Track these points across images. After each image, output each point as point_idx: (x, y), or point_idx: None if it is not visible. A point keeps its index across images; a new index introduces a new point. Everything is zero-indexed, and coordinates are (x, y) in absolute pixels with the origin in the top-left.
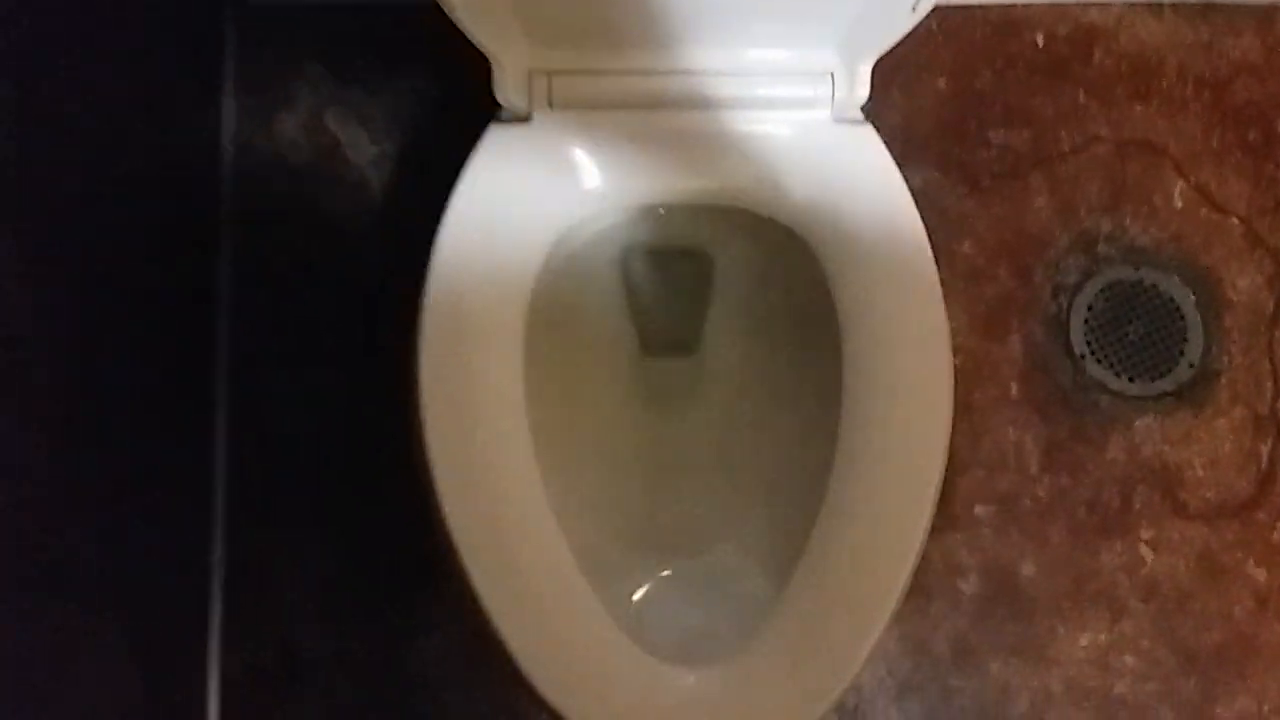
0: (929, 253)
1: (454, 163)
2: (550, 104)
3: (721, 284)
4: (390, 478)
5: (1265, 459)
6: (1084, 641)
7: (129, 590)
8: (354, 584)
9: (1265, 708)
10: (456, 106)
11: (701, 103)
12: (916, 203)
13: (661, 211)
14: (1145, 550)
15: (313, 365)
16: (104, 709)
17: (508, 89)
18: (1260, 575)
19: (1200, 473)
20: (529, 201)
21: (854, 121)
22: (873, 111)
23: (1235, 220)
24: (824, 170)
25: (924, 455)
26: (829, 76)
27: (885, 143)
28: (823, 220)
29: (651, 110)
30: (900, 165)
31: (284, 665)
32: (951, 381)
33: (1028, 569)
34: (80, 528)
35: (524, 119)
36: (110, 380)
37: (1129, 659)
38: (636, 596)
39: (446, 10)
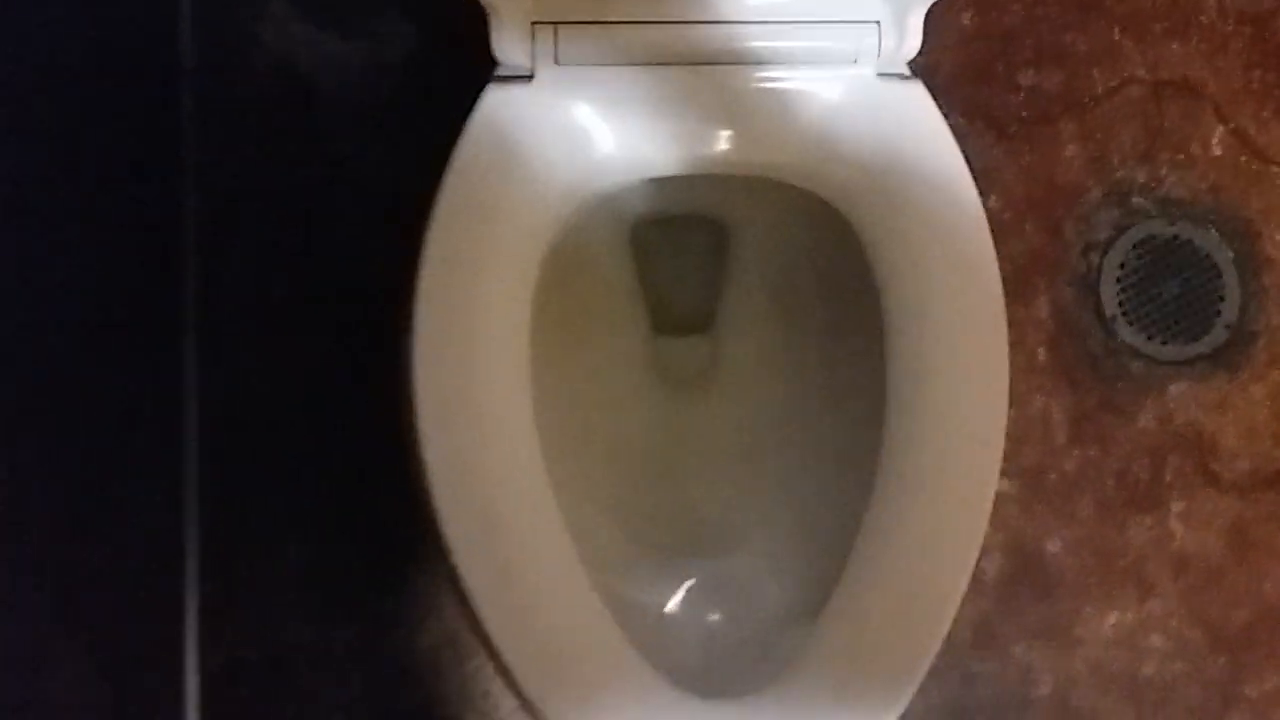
0: (986, 227)
1: (443, 120)
2: (556, 59)
3: (739, 255)
4: (371, 463)
5: None
6: (1111, 621)
7: (96, 589)
8: (334, 576)
9: None
10: (447, 55)
11: (728, 58)
12: None
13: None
14: (1176, 524)
15: (288, 346)
16: (71, 713)
17: (507, 43)
18: None
19: (1235, 441)
20: (534, 173)
21: (901, 77)
22: None
23: (1277, 169)
24: (868, 134)
25: (982, 457)
26: (875, 26)
27: None
28: (865, 190)
29: (671, 67)
30: None
31: (265, 659)
32: (1007, 371)
33: (1053, 546)
34: (40, 525)
35: (526, 77)
36: (71, 368)
37: (1157, 639)
38: (661, 610)
39: None
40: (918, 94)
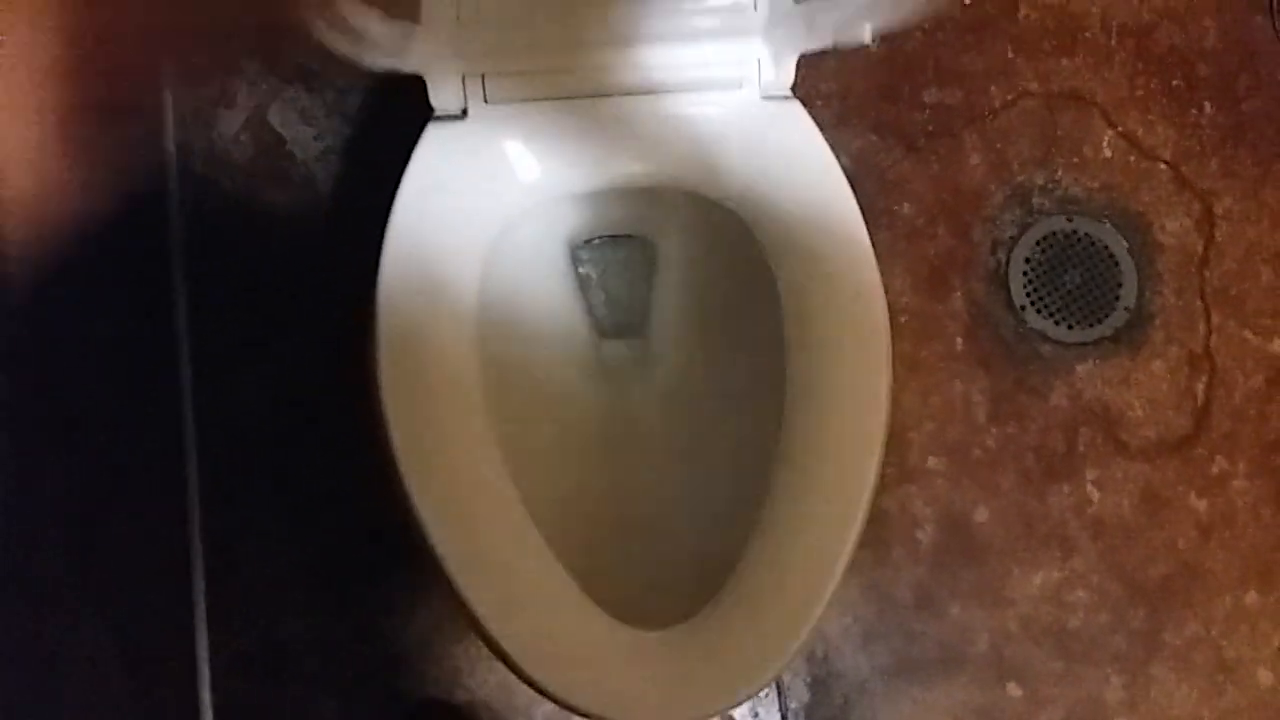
0: (858, 215)
1: (398, 155)
2: (485, 99)
3: (667, 269)
4: (354, 466)
5: (1201, 395)
6: (1037, 580)
7: (108, 589)
8: (329, 573)
9: (1213, 631)
10: (396, 99)
11: (634, 88)
12: (855, 166)
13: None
14: (1091, 490)
15: (273, 359)
16: (92, 709)
17: (442, 95)
18: (1201, 507)
19: (1140, 412)
20: (471, 197)
21: (782, 98)
22: (808, 78)
23: (1163, 165)
24: (755, 145)
25: (867, 419)
26: (756, 62)
27: (821, 108)
28: (755, 193)
29: (585, 99)
30: (838, 130)
31: (268, 649)
32: (888, 342)
33: (981, 515)
34: (53, 530)
35: (460, 116)
36: (75, 383)
37: (1081, 594)
38: (596, 566)
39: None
40: (795, 111)
